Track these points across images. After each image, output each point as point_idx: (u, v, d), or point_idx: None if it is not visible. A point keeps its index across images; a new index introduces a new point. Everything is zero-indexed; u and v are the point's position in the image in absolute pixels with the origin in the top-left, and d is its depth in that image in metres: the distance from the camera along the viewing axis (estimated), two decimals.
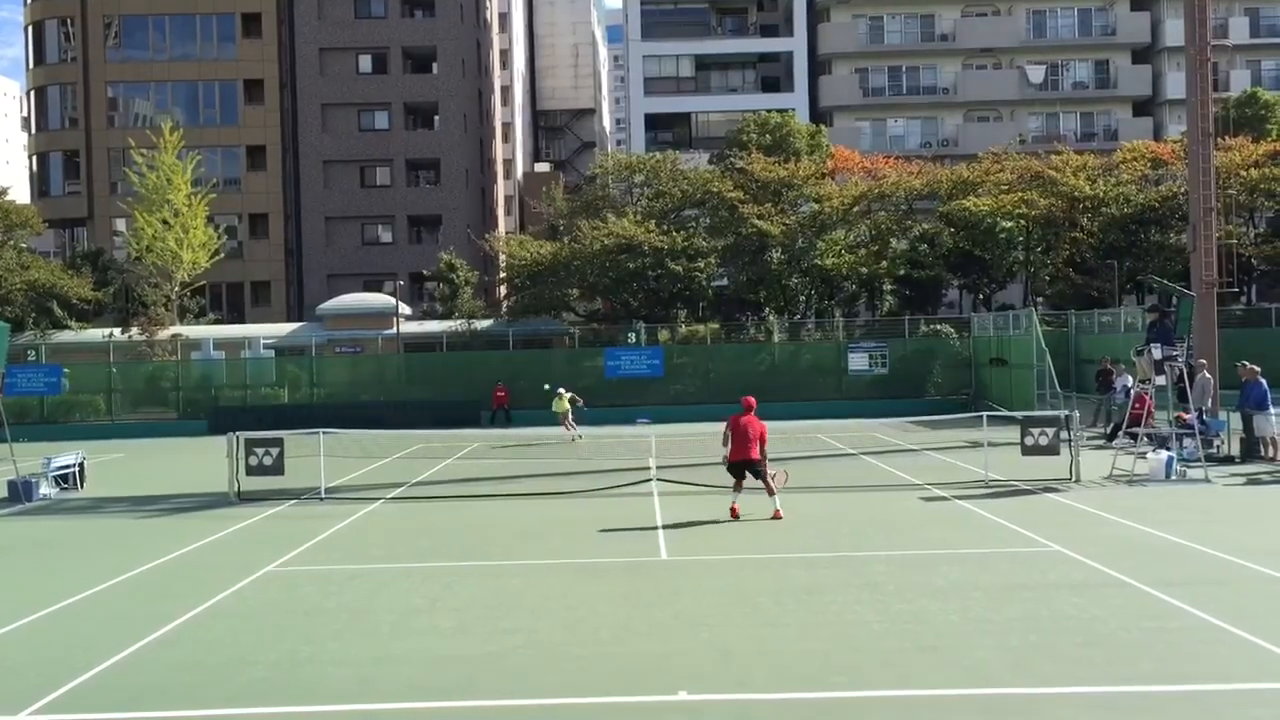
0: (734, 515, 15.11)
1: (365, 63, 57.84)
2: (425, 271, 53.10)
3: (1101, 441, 24.11)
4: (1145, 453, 19.22)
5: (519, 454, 26.32)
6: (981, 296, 44.71)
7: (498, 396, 35.50)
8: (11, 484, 19.45)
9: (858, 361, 37.39)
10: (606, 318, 43.78)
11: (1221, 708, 7.29)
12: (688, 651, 8.80)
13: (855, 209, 41.86)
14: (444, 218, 56.77)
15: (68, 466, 20.79)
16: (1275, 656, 8.36)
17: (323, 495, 18.59)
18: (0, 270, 43.48)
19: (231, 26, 56.88)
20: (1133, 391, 21.76)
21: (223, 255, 46.96)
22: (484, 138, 63.86)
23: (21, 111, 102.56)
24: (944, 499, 16.90)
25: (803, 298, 43.23)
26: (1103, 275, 41.09)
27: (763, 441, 15.29)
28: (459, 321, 43.29)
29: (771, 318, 40.74)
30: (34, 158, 60.21)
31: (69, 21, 57.12)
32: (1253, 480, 18.28)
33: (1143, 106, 60.56)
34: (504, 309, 44.79)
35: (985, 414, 20.76)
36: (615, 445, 26.99)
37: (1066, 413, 19.91)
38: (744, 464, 15.23)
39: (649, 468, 21.39)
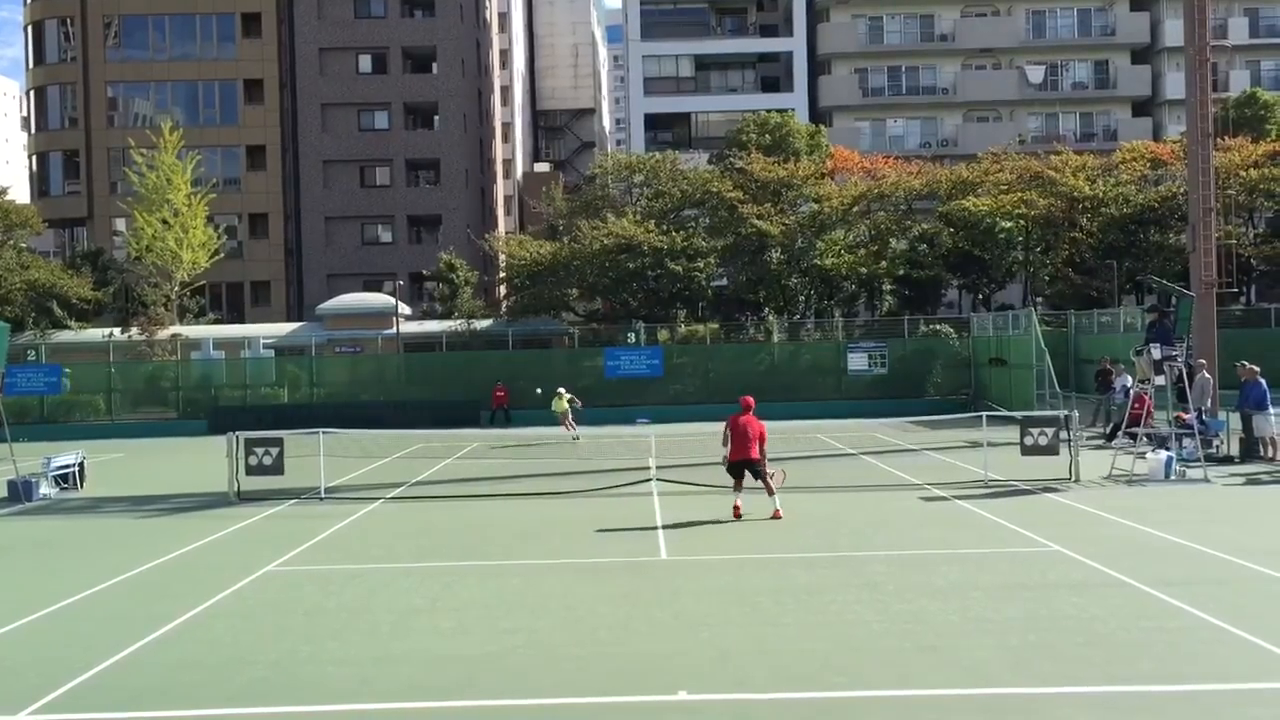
0: (736, 515, 15.11)
1: (365, 63, 57.84)
2: (425, 271, 53.12)
3: (1101, 441, 24.11)
4: (1145, 453, 19.22)
5: (518, 454, 26.33)
6: (981, 296, 44.73)
7: (497, 396, 35.50)
8: (11, 484, 19.45)
9: (857, 361, 37.40)
10: (606, 318, 43.79)
11: (1220, 707, 7.29)
12: (687, 651, 8.80)
13: (855, 209, 41.88)
14: (444, 218, 56.77)
15: (67, 466, 20.79)
16: (1274, 656, 8.37)
17: (322, 495, 18.59)
18: (0, 270, 43.48)
19: (231, 26, 56.89)
20: (1132, 391, 21.78)
21: (222, 255, 46.97)
22: (484, 138, 63.88)
23: (21, 111, 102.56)
24: (943, 499, 16.91)
25: (802, 298, 43.24)
26: (1102, 275, 41.10)
27: (762, 441, 15.30)
28: (459, 321, 43.30)
29: (771, 318, 40.76)
30: (34, 157, 60.20)
31: (69, 21, 57.12)
32: (1252, 480, 18.28)
33: (1142, 107, 60.59)
34: (503, 309, 44.79)
35: (985, 414, 20.77)
36: (615, 445, 27.00)
37: (1066, 413, 19.91)
38: (744, 464, 15.24)
39: (649, 468, 21.39)
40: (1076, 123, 60.17)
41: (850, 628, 9.41)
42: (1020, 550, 12.69)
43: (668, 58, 59.80)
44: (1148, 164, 42.50)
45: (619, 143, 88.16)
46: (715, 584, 11.20)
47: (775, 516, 15.02)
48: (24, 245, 47.42)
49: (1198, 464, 18.90)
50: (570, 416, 29.11)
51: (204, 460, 23.86)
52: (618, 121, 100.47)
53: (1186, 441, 19.61)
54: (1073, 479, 18.07)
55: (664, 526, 14.80)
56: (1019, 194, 40.86)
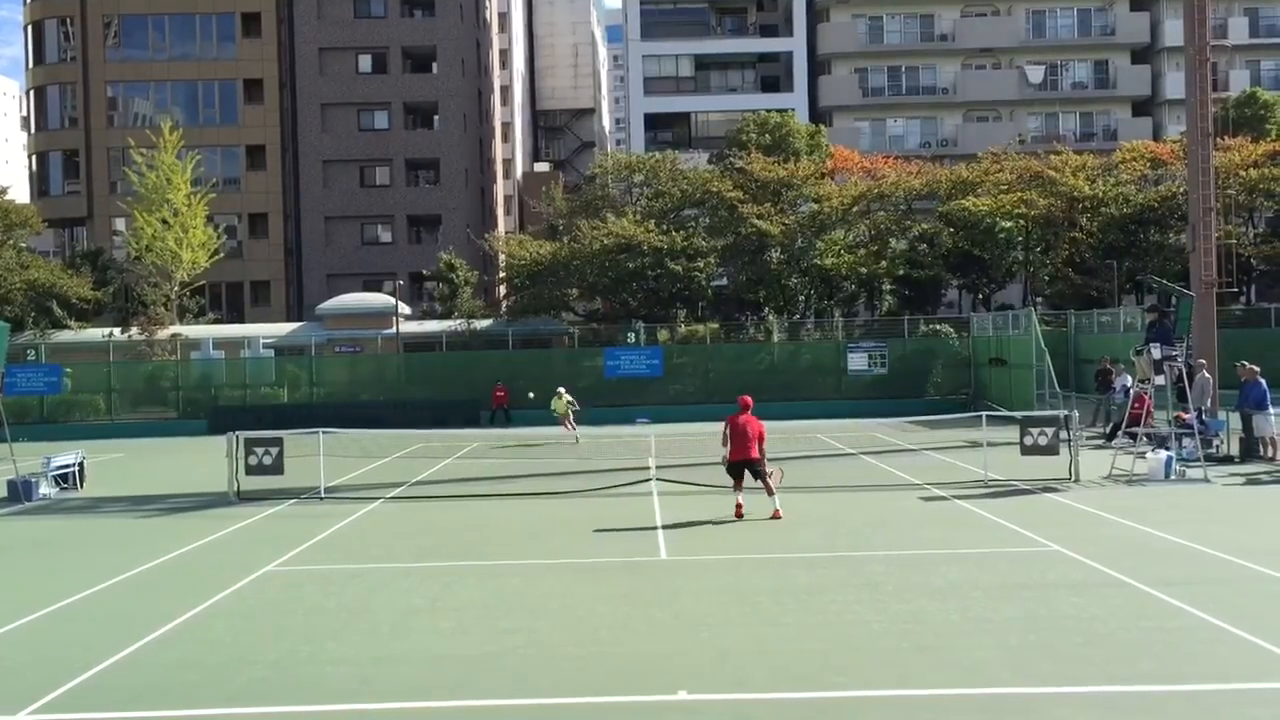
0: (739, 514, 15.09)
1: (365, 62, 57.84)
2: (425, 271, 53.12)
3: (1101, 441, 24.11)
4: (1144, 452, 19.23)
5: (518, 454, 26.33)
6: (981, 296, 44.73)
7: (497, 396, 35.49)
8: (11, 484, 19.45)
9: (857, 361, 37.40)
10: (606, 317, 43.79)
11: (1220, 707, 7.29)
12: (687, 651, 8.80)
13: (855, 209, 41.88)
14: (443, 217, 56.77)
15: (67, 466, 20.79)
16: (1274, 656, 8.37)
17: (322, 495, 18.59)
18: (0, 269, 43.47)
19: (231, 26, 56.89)
20: (1132, 391, 21.78)
21: (222, 255, 46.96)
22: (483, 137, 63.88)
23: (21, 111, 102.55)
24: (943, 499, 16.91)
25: (802, 297, 43.24)
26: (1102, 275, 41.10)
27: (761, 440, 15.30)
28: (458, 321, 43.30)
29: (771, 317, 40.76)
30: (33, 157, 60.20)
31: (68, 21, 57.12)
32: (1252, 480, 18.28)
33: (1142, 106, 60.59)
34: (503, 309, 44.79)
35: (984, 414, 20.77)
36: (615, 445, 26.99)
37: (1066, 413, 19.92)
38: (744, 464, 15.23)
39: (648, 467, 21.39)
40: (1076, 123, 60.18)
41: (850, 627, 9.41)
42: (1020, 550, 12.69)
43: (668, 57, 59.80)
44: (1148, 164, 42.51)
45: (619, 142, 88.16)
46: (715, 584, 11.20)
47: (775, 516, 15.02)
48: (24, 245, 47.43)
49: (1198, 464, 18.90)
50: (571, 416, 28.92)
51: (204, 460, 23.86)
52: (618, 121, 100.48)
53: (1186, 441, 19.60)
54: (1072, 479, 18.07)
55: (663, 526, 14.80)
56: (1019, 194, 40.86)
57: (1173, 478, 18.26)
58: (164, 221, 43.99)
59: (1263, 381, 20.22)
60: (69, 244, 58.73)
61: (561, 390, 29.05)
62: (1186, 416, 19.96)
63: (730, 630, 9.40)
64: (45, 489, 19.88)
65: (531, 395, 33.82)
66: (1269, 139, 42.96)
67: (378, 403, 37.04)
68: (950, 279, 43.80)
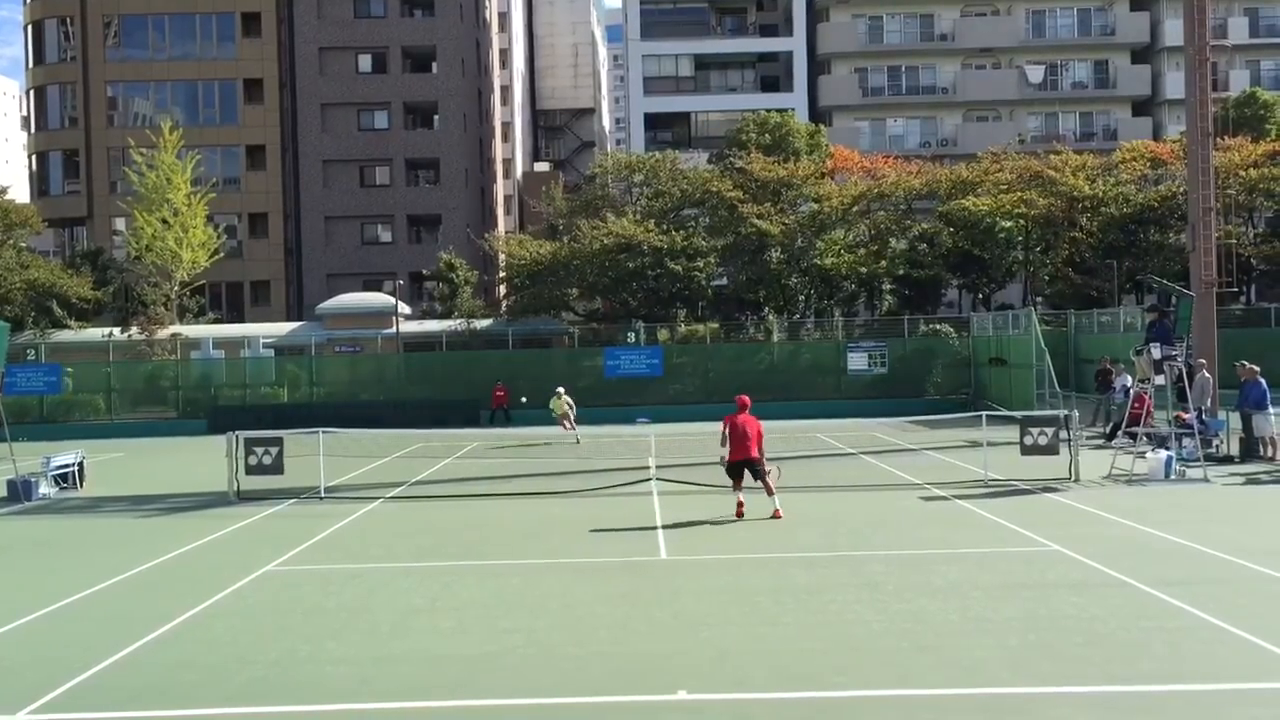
0: (740, 514, 15.07)
1: (365, 62, 57.83)
2: (425, 271, 53.12)
3: (1101, 441, 24.11)
4: (1144, 452, 19.22)
5: (518, 454, 26.33)
6: (981, 296, 44.73)
7: (497, 396, 35.48)
8: (11, 483, 19.45)
9: (857, 361, 37.39)
10: (606, 317, 43.79)
11: (1220, 707, 7.29)
12: (687, 651, 8.80)
13: (854, 209, 41.88)
14: (443, 217, 56.77)
15: (67, 466, 20.79)
16: (1274, 656, 8.37)
17: (322, 494, 18.59)
18: (0, 269, 43.47)
19: (231, 26, 56.88)
20: (1132, 391, 21.78)
21: (222, 255, 46.94)
22: (483, 137, 63.88)
23: (21, 111, 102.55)
24: (943, 498, 16.91)
25: (802, 297, 43.24)
26: (1102, 275, 41.11)
27: (760, 439, 15.30)
28: (458, 321, 43.29)
29: (771, 317, 40.75)
30: (33, 157, 60.20)
31: (68, 21, 57.11)
32: (1252, 480, 18.28)
33: (1142, 106, 60.58)
34: (503, 308, 44.79)
35: (984, 414, 20.77)
36: (614, 445, 26.99)
37: (1066, 412, 19.91)
38: (745, 463, 15.22)
39: (648, 467, 21.39)
40: (1076, 122, 60.17)
41: (849, 627, 9.41)
42: (1020, 550, 12.69)
43: (667, 57, 59.79)
44: (1147, 164, 42.50)
45: (619, 142, 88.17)
46: (715, 584, 11.20)
47: (775, 516, 15.01)
48: (24, 245, 47.44)
49: (1197, 464, 18.89)
50: (571, 416, 28.76)
51: (203, 460, 23.85)
52: (617, 121, 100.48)
53: (1186, 441, 19.60)
54: (1072, 479, 18.07)
55: (663, 526, 14.80)
56: (1019, 194, 40.85)
57: (1173, 477, 18.26)
58: (164, 221, 43.98)
59: (1262, 381, 20.21)
60: (69, 244, 58.73)
61: (561, 390, 28.97)
62: (1186, 416, 19.95)
63: (730, 630, 9.40)
64: (45, 489, 19.89)
65: (524, 400, 33.98)
66: (1269, 139, 42.96)
67: (378, 402, 37.04)
68: (950, 279, 43.80)
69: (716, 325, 40.25)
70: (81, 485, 20.81)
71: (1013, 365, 32.09)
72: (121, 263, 49.62)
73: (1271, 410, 20.14)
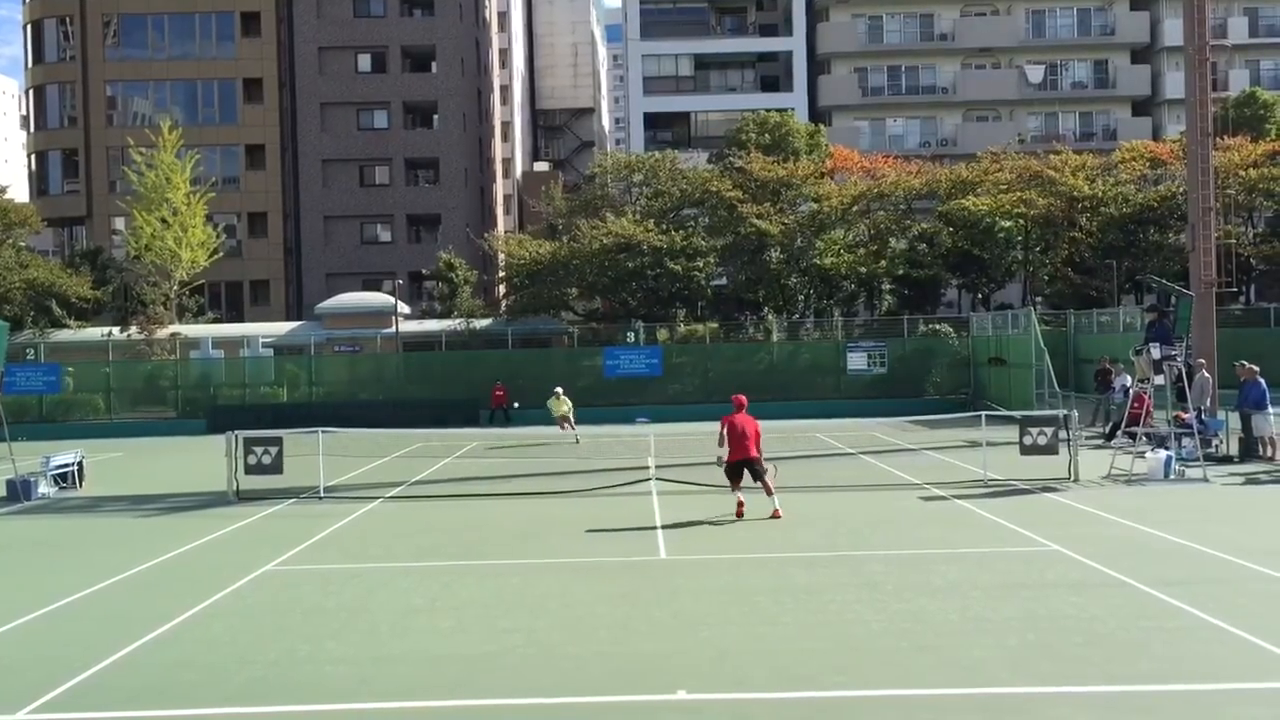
0: (740, 514, 15.04)
1: (364, 62, 57.84)
2: (424, 270, 53.14)
3: (1100, 441, 24.12)
4: (1144, 452, 19.23)
5: (518, 453, 26.32)
6: (980, 296, 44.73)
7: (496, 396, 35.47)
8: (10, 483, 19.44)
9: (856, 361, 37.40)
10: (605, 317, 43.79)
11: (1220, 707, 7.29)
12: (686, 651, 8.80)
13: (854, 208, 41.88)
14: (443, 217, 56.76)
15: (66, 465, 20.78)
16: (1273, 656, 8.37)
17: (321, 494, 18.58)
18: (0, 268, 43.53)
19: (230, 25, 56.87)
20: (1131, 391, 21.78)
21: (221, 254, 46.91)
22: (483, 137, 63.86)
23: (20, 110, 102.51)
24: (943, 498, 16.91)
25: (801, 297, 43.24)
26: (1101, 275, 41.11)
27: (758, 439, 15.28)
28: (458, 321, 43.30)
29: (770, 317, 40.75)
30: (33, 156, 60.19)
31: (68, 20, 57.09)
32: (1251, 480, 18.28)
33: (1142, 106, 60.59)
34: (503, 308, 44.78)
35: (984, 413, 20.78)
36: (614, 444, 26.99)
37: (1065, 412, 19.92)
38: (744, 463, 15.21)
39: (648, 467, 21.39)
40: (1076, 122, 60.18)
41: (849, 627, 9.41)
42: (1019, 550, 12.69)
43: (667, 57, 59.79)
44: (1147, 163, 42.51)
45: (618, 142, 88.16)
46: (714, 583, 11.20)
47: (774, 516, 15.01)
48: (23, 244, 47.43)
49: (1197, 464, 18.90)
50: (571, 417, 28.64)
51: (203, 459, 23.84)
52: (617, 121, 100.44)
53: (1186, 441, 19.61)
54: (1072, 479, 18.08)
55: (663, 526, 14.80)
56: (1018, 193, 40.86)
57: (1172, 477, 18.26)
58: (163, 221, 43.96)
59: (1262, 381, 20.22)
60: (68, 243, 58.70)
61: (559, 390, 28.84)
62: (1186, 416, 19.96)
63: (730, 630, 9.40)
64: (44, 488, 19.88)
65: (516, 405, 34.01)
66: (1268, 139, 42.97)
67: (377, 402, 37.02)
68: (950, 279, 43.80)
69: (716, 325, 40.25)
70: (81, 485, 20.80)
71: (1012, 365, 32.09)
72: (121, 262, 49.60)
73: (1271, 410, 20.14)
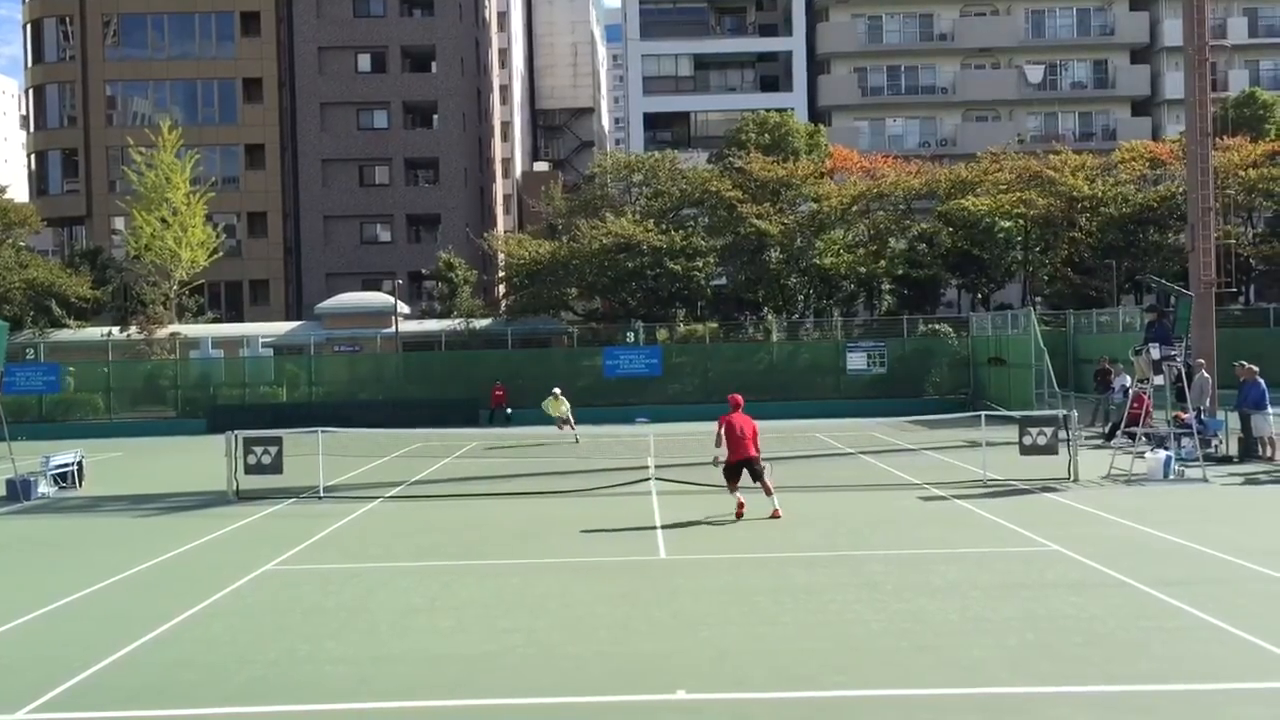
0: (740, 514, 15.02)
1: (364, 62, 57.83)
2: (424, 270, 53.14)
3: (1100, 441, 24.12)
4: (1143, 452, 19.23)
5: (517, 453, 26.32)
6: (980, 296, 44.72)
7: (496, 396, 35.48)
8: (10, 482, 19.44)
9: (856, 361, 37.41)
10: (605, 317, 43.79)
11: (1219, 707, 7.29)
12: (686, 651, 8.80)
13: (854, 208, 41.88)
14: (443, 217, 56.76)
15: (66, 465, 20.78)
16: (1273, 656, 8.37)
17: (321, 494, 18.58)
18: None
19: (230, 25, 56.86)
20: (1131, 391, 21.79)
21: (221, 254, 46.89)
22: (483, 137, 63.86)
23: (20, 110, 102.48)
24: (942, 498, 16.91)
25: (801, 297, 43.24)
26: (1101, 275, 41.12)
27: (756, 438, 15.27)
28: (457, 320, 43.30)
29: (770, 317, 40.74)
30: (32, 156, 60.18)
31: (68, 20, 57.08)
32: (1250, 480, 18.29)
33: (1141, 106, 60.60)
34: (502, 308, 44.79)
35: (983, 413, 20.79)
36: (614, 444, 26.99)
37: (1065, 412, 19.92)
38: (744, 463, 15.19)
39: (647, 467, 21.39)
40: (1075, 122, 60.18)
41: (849, 627, 9.41)
42: (1019, 550, 12.69)
43: (667, 57, 59.78)
44: (1146, 164, 42.51)
45: (618, 142, 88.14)
46: (714, 583, 11.20)
47: (774, 516, 15.00)
48: (23, 244, 47.42)
49: (1196, 464, 18.90)
50: (570, 417, 28.52)
51: (202, 459, 23.84)
52: (617, 121, 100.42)
53: (1185, 441, 19.61)
54: (1071, 479, 18.08)
55: (662, 526, 14.80)
56: (1018, 193, 40.86)
57: (1171, 477, 18.26)
58: (163, 220, 43.94)
59: (1261, 381, 20.23)
60: (68, 243, 58.69)
61: (557, 391, 28.74)
62: (1185, 416, 19.96)
63: (729, 630, 9.40)
64: (44, 488, 19.88)
65: (510, 411, 34.01)
66: (1268, 139, 42.97)
67: (377, 402, 37.03)
68: (949, 279, 43.79)
69: (715, 325, 40.25)
70: (80, 484, 20.80)
71: (1012, 365, 32.10)
72: (120, 262, 49.58)
73: (1270, 410, 20.15)
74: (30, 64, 58.83)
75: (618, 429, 31.59)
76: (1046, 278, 42.96)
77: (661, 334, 40.31)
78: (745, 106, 53.96)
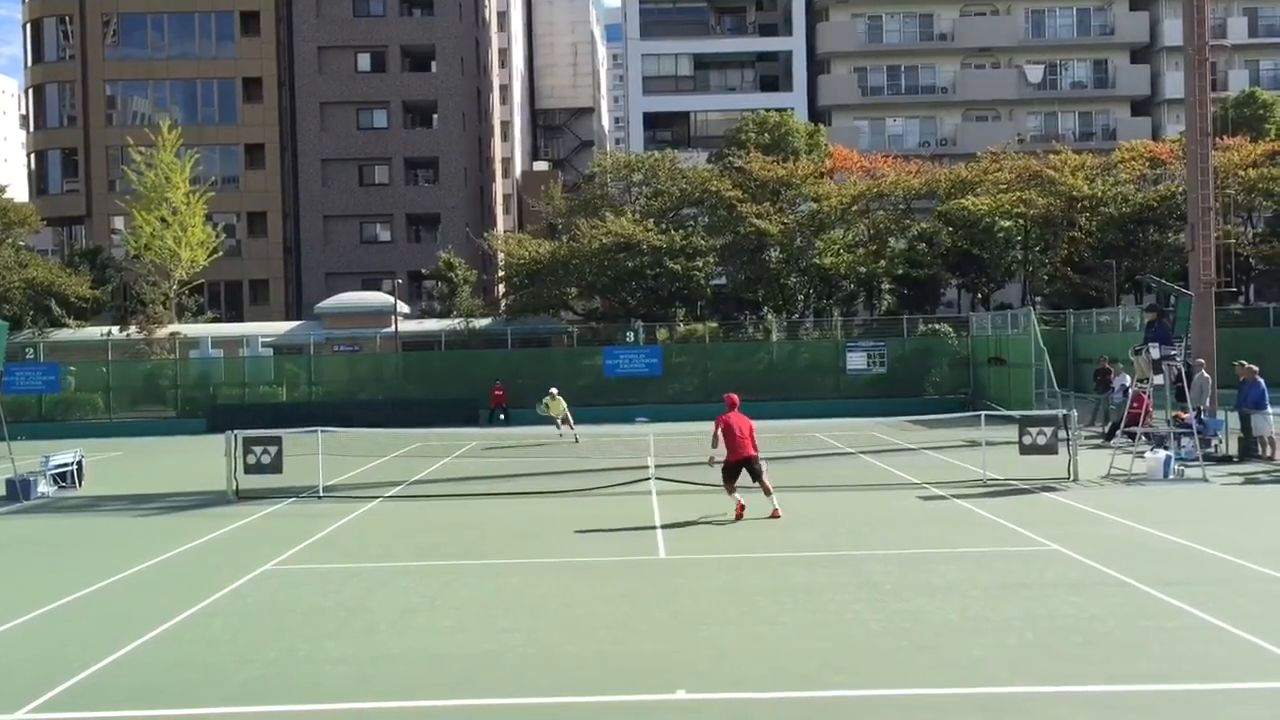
0: (740, 514, 14.99)
1: (364, 61, 57.83)
2: (424, 270, 53.15)
3: (1099, 441, 24.13)
4: (1143, 452, 19.23)
5: (517, 453, 26.32)
6: (980, 296, 44.73)
7: (496, 395, 35.47)
8: (10, 482, 19.44)
9: (856, 360, 37.41)
10: (605, 316, 43.79)
11: (1218, 706, 7.29)
12: (686, 650, 8.80)
13: (854, 208, 41.89)
14: (442, 216, 56.76)
15: (66, 465, 20.78)
16: (1272, 655, 8.37)
17: (321, 494, 18.58)
18: None
19: (230, 25, 56.86)
20: (1131, 391, 21.78)
21: (221, 254, 46.88)
22: (482, 136, 63.86)
23: (20, 109, 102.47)
24: (942, 498, 16.91)
25: (801, 297, 43.24)
26: (1101, 275, 41.12)
27: (753, 436, 15.26)
28: (457, 320, 43.29)
29: (770, 317, 40.74)
30: (32, 155, 60.17)
31: (67, 19, 57.07)
32: (1250, 480, 18.29)
33: (1141, 106, 60.60)
34: (502, 308, 44.79)
35: (983, 413, 20.80)
36: (613, 444, 26.99)
37: (1064, 412, 19.92)
38: (743, 463, 15.18)
39: (647, 467, 21.39)
40: (1075, 122, 60.18)
41: (848, 627, 9.41)
42: (1018, 549, 12.69)
43: (667, 57, 59.77)
44: (1146, 163, 42.52)
45: (618, 141, 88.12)
46: (713, 583, 11.20)
47: (774, 515, 15.00)
48: (22, 243, 47.41)
49: (1196, 463, 18.90)
50: (567, 417, 28.45)
51: (202, 459, 23.84)
52: (617, 120, 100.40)
53: (1185, 441, 19.61)
54: (1071, 478, 18.08)
55: (662, 526, 14.80)
56: (1018, 193, 40.86)
57: (1171, 477, 18.26)
58: (163, 220, 43.92)
59: (1261, 381, 20.23)
60: (68, 242, 58.68)
61: (554, 391, 28.70)
62: (1185, 416, 19.96)
63: (729, 629, 9.40)
64: (44, 487, 19.88)
65: (504, 417, 33.99)
66: (1268, 139, 42.98)
67: (376, 401, 37.03)
68: (949, 278, 43.80)
69: (715, 325, 40.25)
70: (80, 484, 20.80)
71: (1011, 365, 32.10)
72: (120, 261, 49.58)
73: (1270, 410, 20.15)
74: (30, 64, 58.83)
75: (617, 428, 31.60)
76: (1046, 277, 42.97)
77: (661, 334, 40.31)
78: (745, 106, 53.98)
